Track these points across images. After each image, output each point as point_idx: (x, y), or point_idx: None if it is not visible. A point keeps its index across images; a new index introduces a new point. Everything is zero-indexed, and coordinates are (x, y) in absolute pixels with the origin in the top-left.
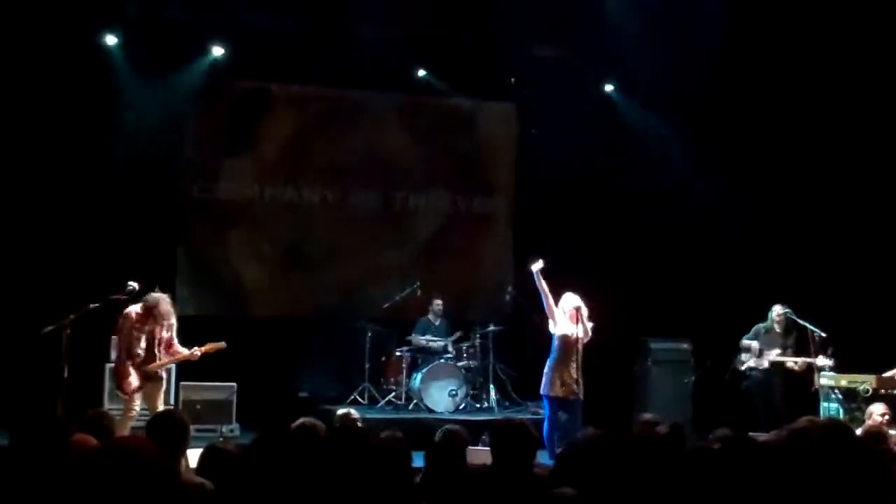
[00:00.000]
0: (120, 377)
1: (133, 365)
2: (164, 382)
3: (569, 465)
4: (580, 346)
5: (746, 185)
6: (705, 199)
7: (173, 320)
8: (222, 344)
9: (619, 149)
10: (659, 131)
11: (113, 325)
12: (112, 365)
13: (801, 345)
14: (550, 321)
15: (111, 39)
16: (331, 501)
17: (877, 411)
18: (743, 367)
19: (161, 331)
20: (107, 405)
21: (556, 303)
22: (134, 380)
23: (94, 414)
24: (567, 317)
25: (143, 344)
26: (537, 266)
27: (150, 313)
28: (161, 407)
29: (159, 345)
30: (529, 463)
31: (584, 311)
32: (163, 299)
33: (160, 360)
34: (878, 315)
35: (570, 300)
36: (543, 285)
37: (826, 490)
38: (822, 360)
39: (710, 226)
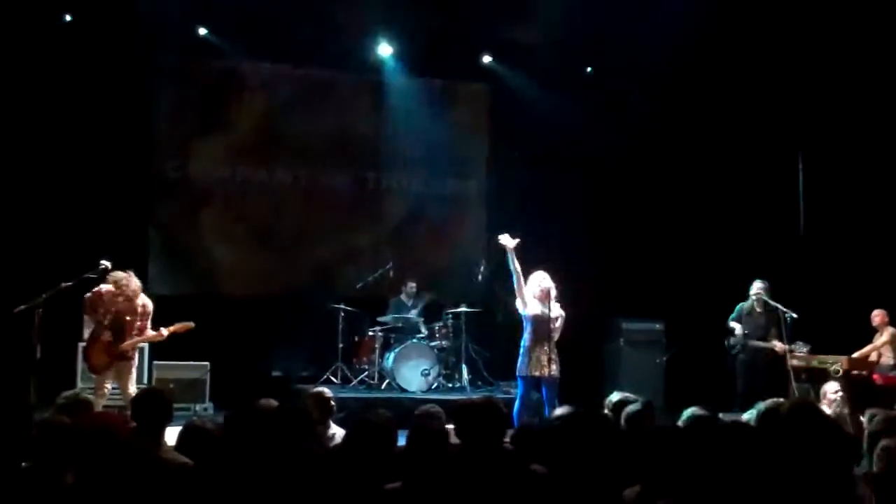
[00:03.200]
0: (89, 355)
1: (102, 343)
2: (135, 363)
3: (540, 443)
4: (553, 326)
5: (722, 163)
6: (680, 178)
7: (146, 301)
8: (190, 324)
9: (592, 130)
10: (633, 109)
11: (84, 302)
12: (84, 344)
13: (776, 324)
14: (519, 300)
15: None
16: (314, 479)
17: (830, 390)
18: (733, 351)
19: (134, 314)
20: (80, 385)
21: (526, 282)
22: (102, 358)
23: (70, 395)
24: (537, 297)
25: (111, 322)
26: (511, 243)
27: (121, 291)
28: (132, 387)
29: (131, 328)
30: (499, 441)
31: (553, 293)
32: (130, 276)
33: (130, 339)
34: (848, 296)
35: (539, 280)
36: (516, 264)
37: (795, 467)
38: (800, 346)
39: (684, 205)
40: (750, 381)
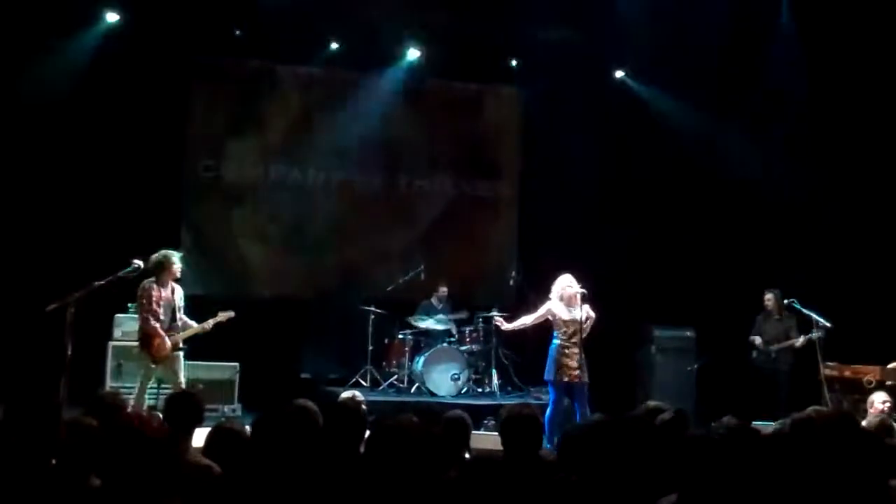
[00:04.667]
0: (151, 341)
1: (162, 329)
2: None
3: (573, 451)
4: (582, 329)
5: (753, 171)
6: (711, 185)
7: (180, 293)
8: (231, 313)
9: (624, 133)
10: (667, 114)
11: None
12: (115, 343)
13: (795, 327)
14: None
15: (112, 16)
16: (338, 482)
17: (878, 399)
18: (756, 364)
19: (177, 299)
20: (109, 384)
21: (550, 288)
22: (167, 343)
23: (106, 394)
24: (564, 301)
25: (164, 312)
26: (504, 325)
27: (164, 275)
28: (182, 379)
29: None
30: (536, 450)
31: (579, 295)
32: (173, 255)
33: (182, 329)
34: (883, 306)
35: (566, 284)
36: (518, 324)
37: (829, 479)
38: (815, 334)
39: (715, 212)
40: (776, 391)
